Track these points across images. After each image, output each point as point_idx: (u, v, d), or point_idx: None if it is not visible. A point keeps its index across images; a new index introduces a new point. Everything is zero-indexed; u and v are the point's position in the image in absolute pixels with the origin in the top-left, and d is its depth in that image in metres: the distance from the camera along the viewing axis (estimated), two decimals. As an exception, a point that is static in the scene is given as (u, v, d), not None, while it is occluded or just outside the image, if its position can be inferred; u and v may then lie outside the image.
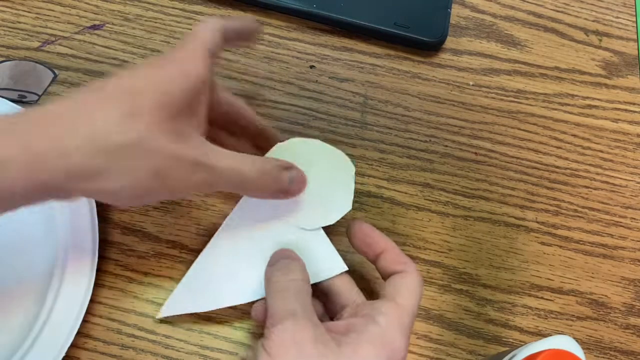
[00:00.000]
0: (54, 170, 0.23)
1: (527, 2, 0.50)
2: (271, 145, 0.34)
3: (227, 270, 0.34)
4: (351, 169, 0.35)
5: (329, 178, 0.34)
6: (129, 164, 0.24)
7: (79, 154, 0.23)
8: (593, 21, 0.50)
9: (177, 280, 0.36)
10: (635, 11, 0.51)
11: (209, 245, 0.34)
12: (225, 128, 0.35)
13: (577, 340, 0.37)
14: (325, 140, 0.42)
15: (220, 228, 0.34)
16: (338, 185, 0.34)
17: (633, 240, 0.41)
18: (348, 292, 0.32)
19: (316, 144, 0.35)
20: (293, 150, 0.34)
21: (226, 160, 0.27)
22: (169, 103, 0.25)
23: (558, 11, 0.50)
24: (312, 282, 0.31)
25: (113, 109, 0.24)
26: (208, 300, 0.33)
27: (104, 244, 0.36)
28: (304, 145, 0.35)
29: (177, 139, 0.25)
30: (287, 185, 0.30)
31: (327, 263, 0.33)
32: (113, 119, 0.24)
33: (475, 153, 0.43)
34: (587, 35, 0.49)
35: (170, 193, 0.27)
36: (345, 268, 0.33)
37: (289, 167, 0.30)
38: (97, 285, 0.35)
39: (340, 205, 0.34)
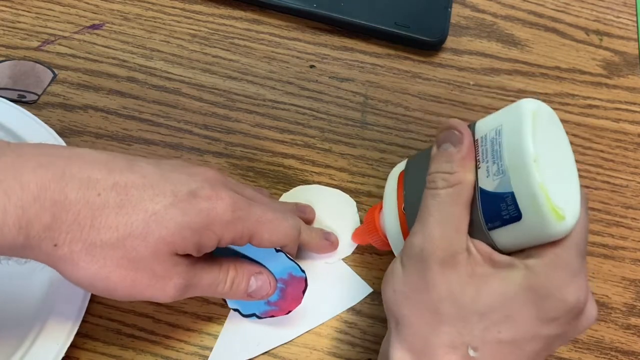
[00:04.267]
0: (42, 255, 0.25)
1: (528, 1, 0.50)
2: None
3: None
4: (352, 203, 0.39)
5: (336, 215, 0.39)
6: (111, 272, 0.26)
7: (67, 250, 0.25)
8: (594, 21, 0.50)
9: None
10: (636, 11, 0.51)
11: None
12: None
13: (577, 341, 0.37)
14: (325, 140, 0.42)
15: None
16: (346, 220, 0.39)
17: (634, 240, 0.41)
18: None
19: (317, 189, 0.40)
20: (297, 196, 0.39)
21: (204, 277, 0.30)
22: (176, 244, 0.27)
23: (559, 11, 0.50)
24: (344, 308, 0.36)
25: (126, 226, 0.26)
26: (247, 350, 0.34)
27: (104, 244, 0.36)
28: (307, 191, 0.39)
29: (168, 265, 0.27)
30: (253, 291, 0.32)
31: (354, 289, 0.37)
32: (119, 234, 0.26)
33: (476, 153, 0.43)
34: (588, 35, 0.49)
35: (140, 299, 0.28)
36: (371, 290, 0.37)
37: (259, 273, 0.32)
38: (97, 285, 0.35)
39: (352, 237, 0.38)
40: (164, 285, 0.27)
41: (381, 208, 0.33)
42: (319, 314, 0.36)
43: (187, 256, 0.28)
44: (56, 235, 0.25)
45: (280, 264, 0.33)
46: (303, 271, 0.33)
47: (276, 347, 0.35)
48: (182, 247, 0.27)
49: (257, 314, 0.34)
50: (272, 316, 0.34)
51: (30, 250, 0.25)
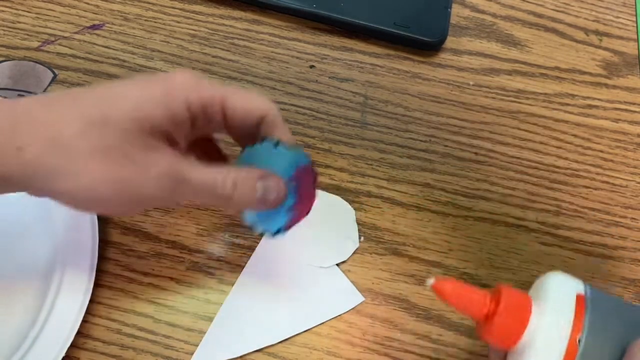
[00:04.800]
0: (9, 164, 0.24)
1: (527, 1, 0.50)
2: None
3: (251, 316, 0.35)
4: (351, 210, 0.39)
5: (334, 221, 0.38)
6: (87, 167, 0.24)
7: (33, 151, 0.24)
8: (593, 21, 0.50)
9: (177, 281, 0.36)
10: (636, 11, 0.51)
11: (230, 294, 0.36)
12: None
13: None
14: (325, 140, 0.42)
15: (240, 276, 0.36)
16: (343, 226, 0.38)
17: (633, 240, 0.41)
18: None
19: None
20: None
21: (198, 173, 0.27)
22: (142, 119, 0.25)
23: (558, 11, 0.50)
24: (333, 315, 0.35)
25: (82, 114, 0.25)
26: (236, 347, 0.34)
27: (104, 244, 0.36)
28: None
29: (146, 150, 0.25)
30: (262, 196, 0.29)
31: (346, 296, 0.36)
32: (79, 124, 0.24)
33: (476, 153, 0.43)
34: (587, 35, 0.49)
35: (132, 203, 0.26)
36: (362, 299, 0.36)
37: (264, 176, 0.29)
38: (97, 285, 0.35)
39: (349, 243, 0.38)
40: (147, 174, 0.25)
41: (526, 306, 0.27)
42: (306, 319, 0.35)
43: (171, 145, 0.26)
44: (17, 137, 0.24)
45: (282, 159, 0.30)
46: (307, 157, 0.30)
47: (274, 346, 0.35)
48: (151, 120, 0.25)
49: (282, 227, 0.31)
50: (297, 222, 0.31)
51: None
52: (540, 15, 0.49)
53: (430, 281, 0.27)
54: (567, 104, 0.46)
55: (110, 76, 0.42)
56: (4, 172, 0.24)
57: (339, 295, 0.36)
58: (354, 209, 0.39)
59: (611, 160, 0.44)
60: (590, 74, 0.47)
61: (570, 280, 0.28)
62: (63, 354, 0.31)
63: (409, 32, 0.45)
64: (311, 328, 0.35)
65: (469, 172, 0.42)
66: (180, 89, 0.26)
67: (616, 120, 0.45)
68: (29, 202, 0.34)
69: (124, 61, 0.43)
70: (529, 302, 0.27)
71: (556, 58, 0.48)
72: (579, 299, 0.26)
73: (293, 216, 0.32)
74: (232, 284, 0.36)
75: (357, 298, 0.36)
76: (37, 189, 0.25)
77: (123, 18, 0.45)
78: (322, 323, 0.36)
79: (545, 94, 0.46)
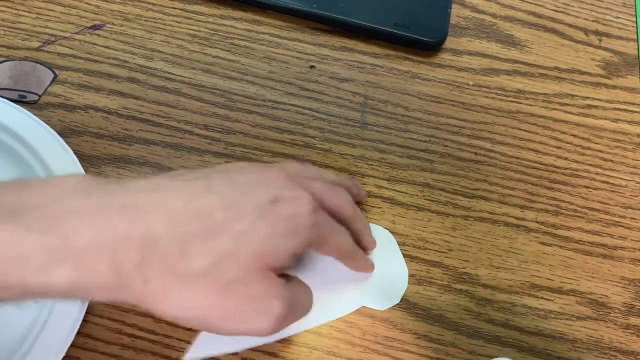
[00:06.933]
0: (134, 294, 0.24)
1: (527, 2, 0.50)
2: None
3: None
4: (393, 241, 0.39)
5: (384, 260, 0.37)
6: (205, 301, 0.25)
7: (158, 284, 0.24)
8: (593, 21, 0.50)
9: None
10: (635, 11, 0.51)
11: None
12: None
13: (577, 340, 0.37)
14: (325, 140, 0.42)
15: None
16: (392, 263, 0.38)
17: (633, 240, 0.41)
18: None
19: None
20: None
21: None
22: (267, 256, 0.26)
23: (558, 11, 0.50)
24: (334, 318, 0.36)
25: (213, 248, 0.25)
26: (232, 342, 0.34)
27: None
28: None
29: (261, 283, 0.26)
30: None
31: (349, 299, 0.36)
32: (209, 259, 0.25)
33: (475, 153, 0.43)
34: (587, 35, 0.49)
35: (239, 332, 0.27)
36: (364, 303, 0.36)
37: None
38: (97, 285, 0.35)
39: (401, 278, 0.38)
40: (266, 307, 0.27)
41: None
42: (306, 320, 0.35)
43: (283, 276, 0.28)
44: (146, 272, 0.24)
45: None
46: None
47: (273, 346, 0.35)
48: (274, 258, 0.26)
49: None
50: None
51: (121, 291, 0.24)
52: (540, 16, 0.50)
53: None
54: (567, 104, 0.46)
55: (111, 76, 0.43)
56: (124, 299, 0.25)
57: (343, 298, 0.36)
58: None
59: (610, 160, 0.44)
60: (590, 74, 0.47)
61: None
62: (63, 354, 0.31)
63: (409, 32, 0.45)
64: (310, 328, 0.35)
65: (469, 172, 0.42)
66: (303, 226, 0.27)
67: (615, 120, 0.45)
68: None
69: (125, 61, 0.43)
70: None
71: (556, 58, 0.48)
72: None
73: None
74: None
75: (360, 301, 0.36)
76: (145, 306, 0.25)
77: (123, 18, 0.45)
78: (327, 322, 0.36)
79: (545, 94, 0.46)
